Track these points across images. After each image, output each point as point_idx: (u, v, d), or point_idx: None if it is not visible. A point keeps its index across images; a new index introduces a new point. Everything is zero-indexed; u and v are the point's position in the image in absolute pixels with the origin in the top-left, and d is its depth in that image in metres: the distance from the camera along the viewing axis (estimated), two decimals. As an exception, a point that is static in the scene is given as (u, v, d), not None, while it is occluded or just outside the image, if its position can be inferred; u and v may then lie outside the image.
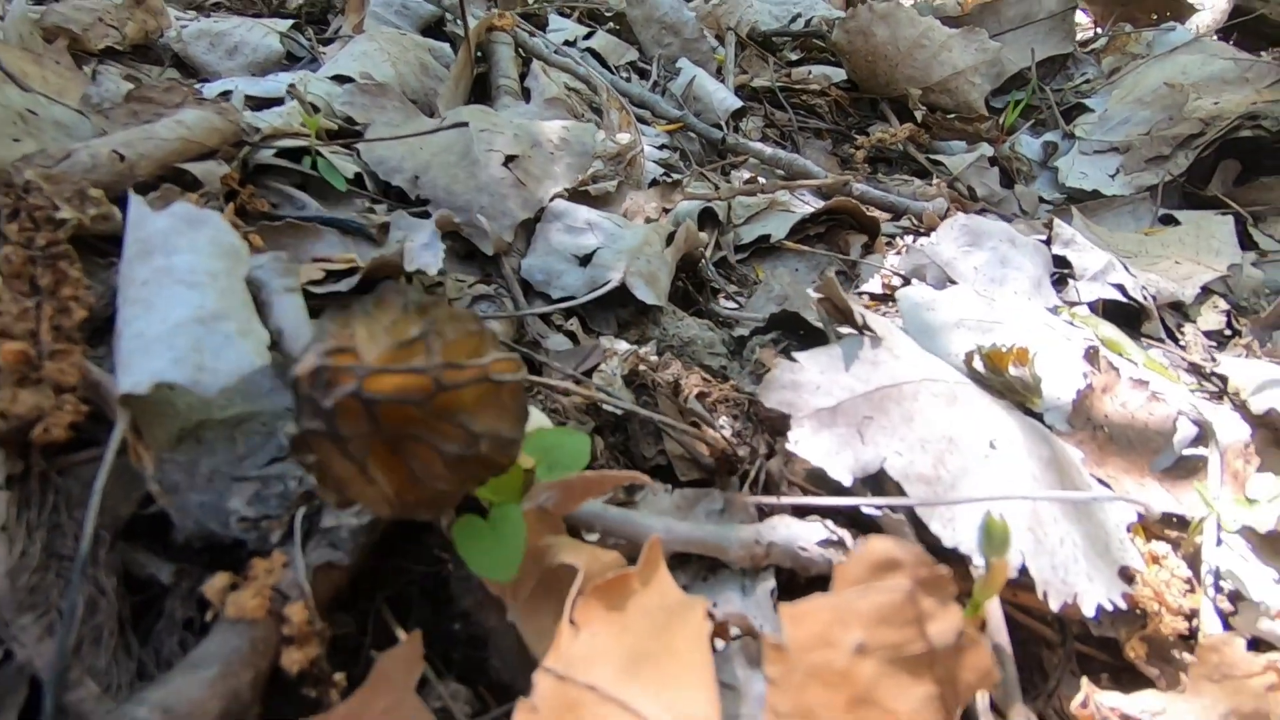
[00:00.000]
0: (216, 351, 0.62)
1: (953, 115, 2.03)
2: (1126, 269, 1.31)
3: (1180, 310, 1.36)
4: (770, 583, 0.66)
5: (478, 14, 1.80)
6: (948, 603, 0.42)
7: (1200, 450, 0.90)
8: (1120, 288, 1.26)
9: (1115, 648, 0.73)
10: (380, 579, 0.64)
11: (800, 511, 0.71)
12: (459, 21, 1.69)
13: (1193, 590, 0.75)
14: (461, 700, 0.57)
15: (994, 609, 0.67)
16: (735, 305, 1.21)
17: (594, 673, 0.46)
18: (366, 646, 0.60)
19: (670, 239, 1.17)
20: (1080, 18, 2.63)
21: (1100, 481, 0.85)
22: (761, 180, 1.55)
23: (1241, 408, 1.01)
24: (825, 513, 0.70)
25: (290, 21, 1.82)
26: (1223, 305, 1.36)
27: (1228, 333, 1.32)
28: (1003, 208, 1.72)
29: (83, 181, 0.77)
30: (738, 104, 1.85)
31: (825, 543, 0.66)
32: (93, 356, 0.66)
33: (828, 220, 1.44)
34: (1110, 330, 1.12)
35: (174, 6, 1.81)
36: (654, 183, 1.40)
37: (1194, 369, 1.16)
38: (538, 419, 0.71)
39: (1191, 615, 0.73)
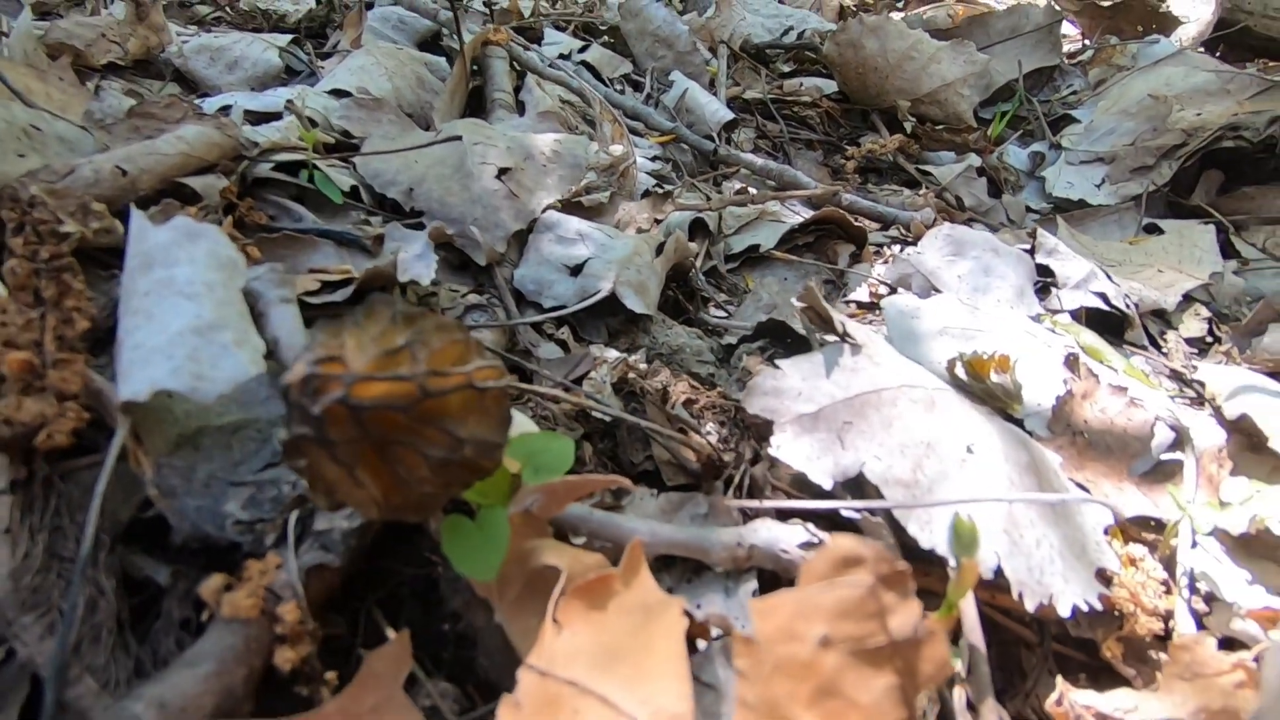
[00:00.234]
0: (214, 360, 0.64)
1: (942, 126, 2.06)
2: (1109, 277, 1.33)
3: (1163, 318, 1.38)
4: (752, 584, 0.67)
5: (473, 29, 1.83)
6: (908, 597, 0.44)
7: (1177, 455, 0.91)
8: (1103, 296, 1.28)
9: (1093, 648, 0.74)
10: (371, 580, 0.66)
11: (782, 515, 0.73)
12: (455, 36, 1.72)
13: (1169, 591, 0.77)
14: (450, 699, 0.59)
15: (969, 609, 0.68)
16: (724, 314, 1.23)
17: (574, 669, 0.47)
18: (357, 646, 0.62)
19: (660, 249, 1.20)
20: (1067, 30, 2.66)
21: (1079, 485, 0.86)
22: (752, 191, 1.57)
23: (1217, 413, 1.03)
24: (806, 516, 0.71)
25: (290, 36, 1.85)
26: (1205, 313, 1.38)
27: (1209, 340, 1.33)
28: (990, 217, 1.74)
29: (86, 196, 0.78)
30: (730, 116, 1.87)
31: (806, 545, 0.67)
32: (95, 365, 0.67)
33: (816, 230, 1.46)
34: (1091, 337, 1.13)
35: (175, 22, 1.84)
36: (646, 194, 1.42)
37: (1175, 375, 1.18)
38: (524, 424, 0.73)
39: (1167, 616, 0.74)
